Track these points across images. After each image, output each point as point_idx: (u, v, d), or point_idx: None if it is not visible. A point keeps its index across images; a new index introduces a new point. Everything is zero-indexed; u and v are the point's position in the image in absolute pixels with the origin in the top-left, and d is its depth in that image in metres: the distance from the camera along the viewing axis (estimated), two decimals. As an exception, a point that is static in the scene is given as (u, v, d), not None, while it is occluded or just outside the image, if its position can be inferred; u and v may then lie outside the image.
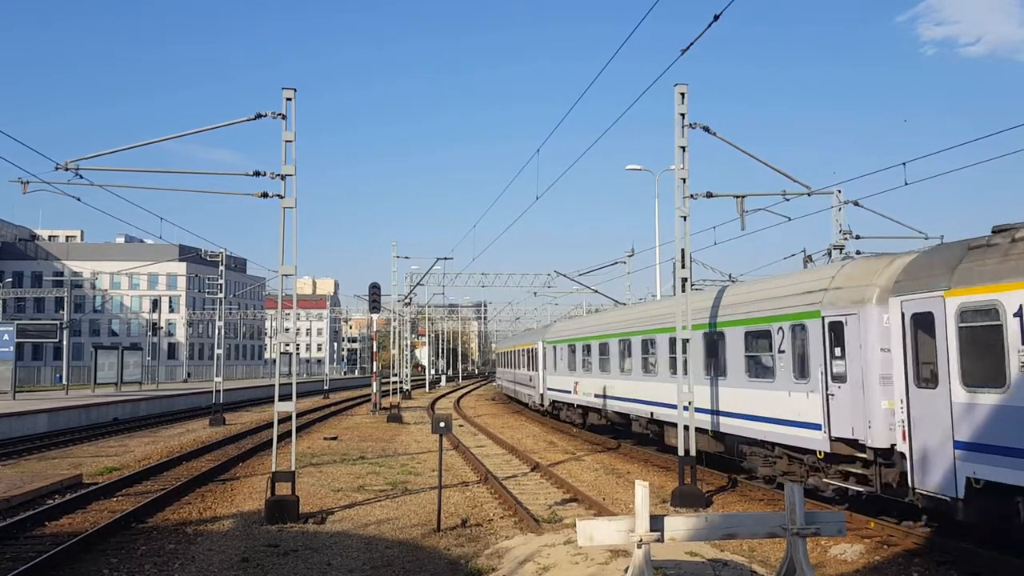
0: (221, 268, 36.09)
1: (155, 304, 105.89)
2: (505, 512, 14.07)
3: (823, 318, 12.88)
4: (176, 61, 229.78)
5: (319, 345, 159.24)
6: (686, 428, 15.16)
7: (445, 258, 44.78)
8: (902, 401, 10.86)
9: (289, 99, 13.95)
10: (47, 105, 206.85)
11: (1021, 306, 9.07)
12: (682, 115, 15.11)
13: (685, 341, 15.37)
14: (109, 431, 30.35)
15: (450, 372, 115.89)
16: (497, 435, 27.95)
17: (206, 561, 10.79)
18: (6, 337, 40.14)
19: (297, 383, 14.23)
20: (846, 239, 20.71)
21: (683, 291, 15.45)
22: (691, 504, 14.48)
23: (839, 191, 20.01)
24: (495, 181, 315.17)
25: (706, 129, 15.54)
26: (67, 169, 14.58)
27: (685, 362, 15.78)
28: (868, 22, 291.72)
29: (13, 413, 28.63)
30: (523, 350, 39.86)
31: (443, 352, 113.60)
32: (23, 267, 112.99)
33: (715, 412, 16.83)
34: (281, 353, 15.38)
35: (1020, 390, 9.01)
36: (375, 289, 38.88)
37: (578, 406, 28.57)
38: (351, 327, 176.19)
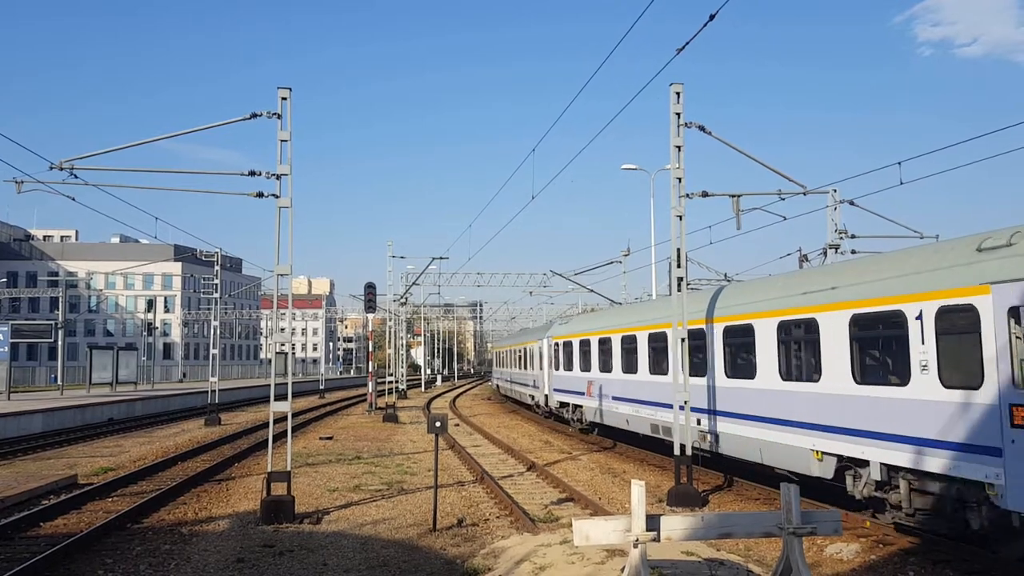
0: (216, 268, 36.03)
1: (150, 304, 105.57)
2: (501, 512, 14.06)
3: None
4: (172, 59, 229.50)
5: (315, 345, 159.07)
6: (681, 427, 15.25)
7: (441, 258, 44.62)
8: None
9: (284, 98, 13.93)
10: (41, 104, 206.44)
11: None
12: (677, 114, 15.10)
13: (682, 340, 15.34)
14: (104, 431, 30.27)
15: (446, 372, 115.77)
16: (493, 435, 27.95)
17: (202, 561, 10.77)
18: (1, 337, 40.01)
19: (293, 383, 14.21)
20: (842, 238, 20.74)
21: (679, 291, 15.44)
22: (687, 503, 14.48)
23: (835, 190, 20.03)
24: (491, 180, 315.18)
25: (701, 128, 15.52)
26: (62, 169, 14.54)
27: (681, 361, 15.82)
28: (865, 22, 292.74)
29: (8, 413, 28.54)
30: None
31: (439, 352, 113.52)
32: (18, 267, 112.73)
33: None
34: (277, 353, 15.35)
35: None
36: (371, 289, 38.80)
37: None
38: (347, 327, 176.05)
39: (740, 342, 15.18)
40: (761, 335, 14.32)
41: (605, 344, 23.48)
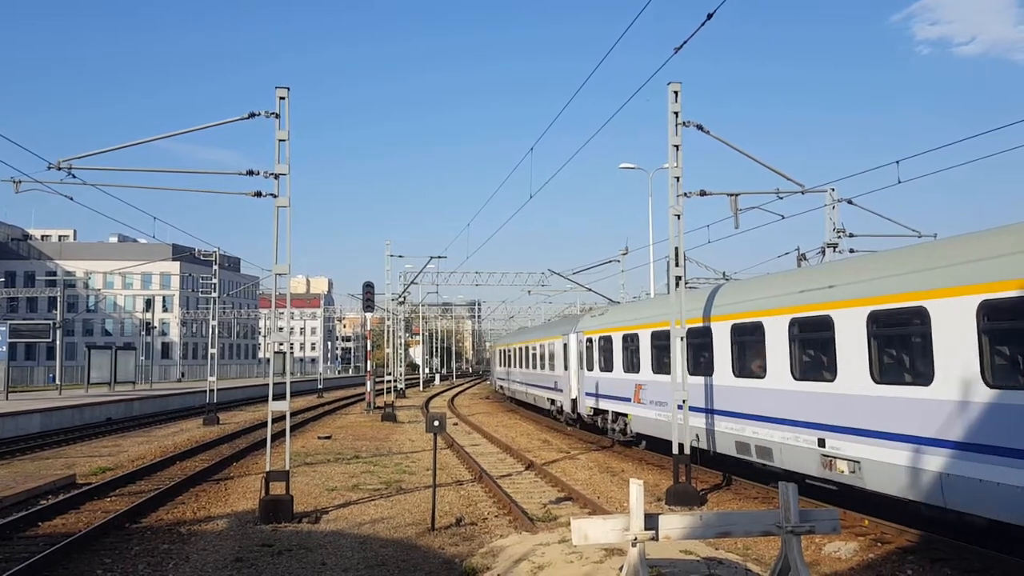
0: (215, 267, 36.01)
1: (148, 303, 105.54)
2: (500, 511, 14.07)
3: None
4: (172, 59, 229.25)
5: (313, 344, 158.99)
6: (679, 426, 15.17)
7: (439, 257, 44.59)
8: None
9: (283, 98, 13.92)
10: (41, 104, 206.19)
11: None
12: (675, 113, 15.09)
13: (680, 339, 15.33)
14: (103, 431, 30.26)
15: (444, 371, 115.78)
16: (491, 434, 27.95)
17: (200, 561, 10.77)
18: (-1, 337, 39.96)
19: (291, 382, 14.20)
20: (840, 237, 20.78)
21: (677, 289, 15.44)
22: (686, 502, 14.49)
23: (833, 189, 20.06)
24: (489, 179, 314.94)
25: (699, 127, 15.52)
26: (60, 168, 14.52)
27: (681, 360, 15.73)
28: (863, 22, 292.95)
29: (6, 413, 28.52)
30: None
31: (437, 351, 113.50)
32: (16, 267, 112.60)
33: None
34: (275, 352, 15.34)
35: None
36: (369, 288, 38.84)
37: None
38: (345, 326, 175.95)
39: (894, 333, 11.27)
40: (942, 322, 9.82)
41: (661, 339, 18.79)
